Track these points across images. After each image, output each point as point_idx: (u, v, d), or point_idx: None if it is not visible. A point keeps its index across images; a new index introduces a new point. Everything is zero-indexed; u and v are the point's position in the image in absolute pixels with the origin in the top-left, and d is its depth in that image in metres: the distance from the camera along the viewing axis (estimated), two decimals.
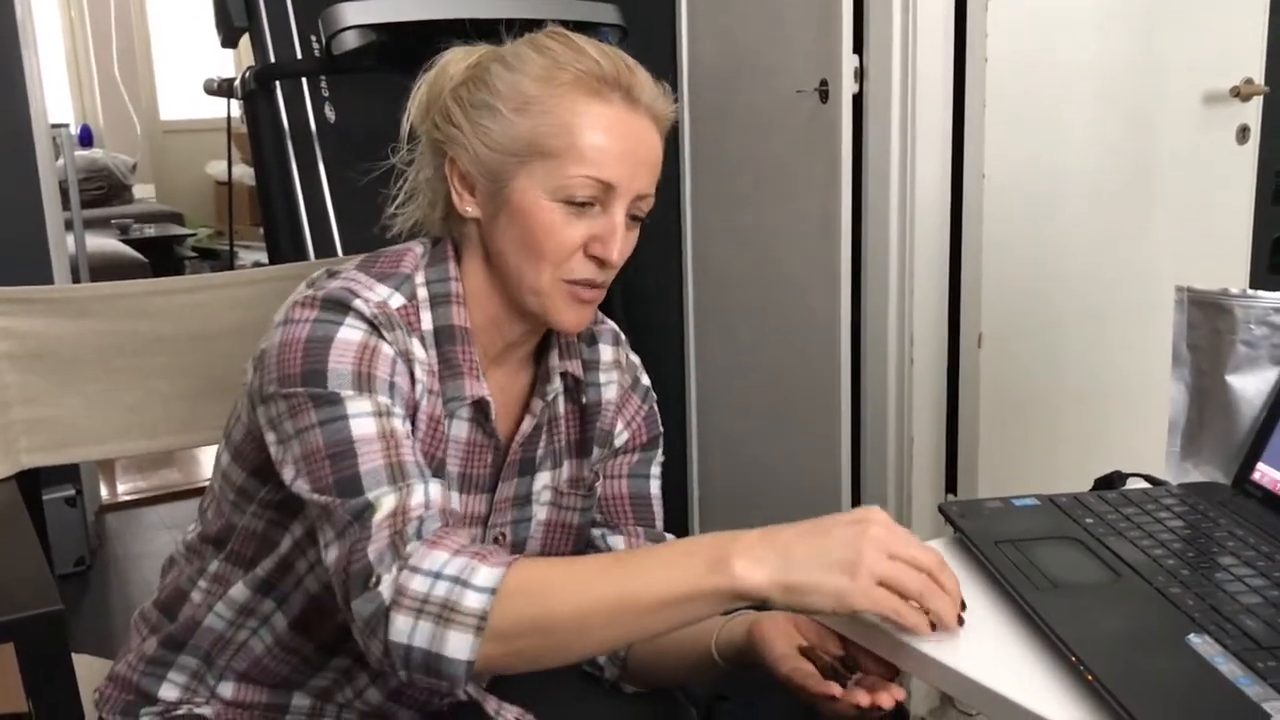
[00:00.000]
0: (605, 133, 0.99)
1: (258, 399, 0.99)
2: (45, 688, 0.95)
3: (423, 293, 1.04)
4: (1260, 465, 1.08)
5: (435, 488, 0.93)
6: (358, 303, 0.97)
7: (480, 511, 1.08)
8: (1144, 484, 1.13)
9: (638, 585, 0.84)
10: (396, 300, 1.01)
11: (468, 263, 1.06)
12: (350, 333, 0.96)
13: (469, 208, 1.04)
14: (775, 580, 0.83)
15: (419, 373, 1.00)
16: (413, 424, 1.00)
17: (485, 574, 0.84)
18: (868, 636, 0.91)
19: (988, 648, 0.86)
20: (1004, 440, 2.14)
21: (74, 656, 1.00)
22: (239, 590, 1.08)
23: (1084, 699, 0.77)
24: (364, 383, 0.95)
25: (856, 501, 2.22)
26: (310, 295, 0.99)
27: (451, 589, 0.84)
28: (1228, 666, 0.77)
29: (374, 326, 0.97)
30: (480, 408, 1.04)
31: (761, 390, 2.40)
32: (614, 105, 1.00)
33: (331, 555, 0.90)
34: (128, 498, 3.43)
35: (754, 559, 0.83)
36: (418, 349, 1.01)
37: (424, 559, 0.86)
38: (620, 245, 1.01)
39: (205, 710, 1.12)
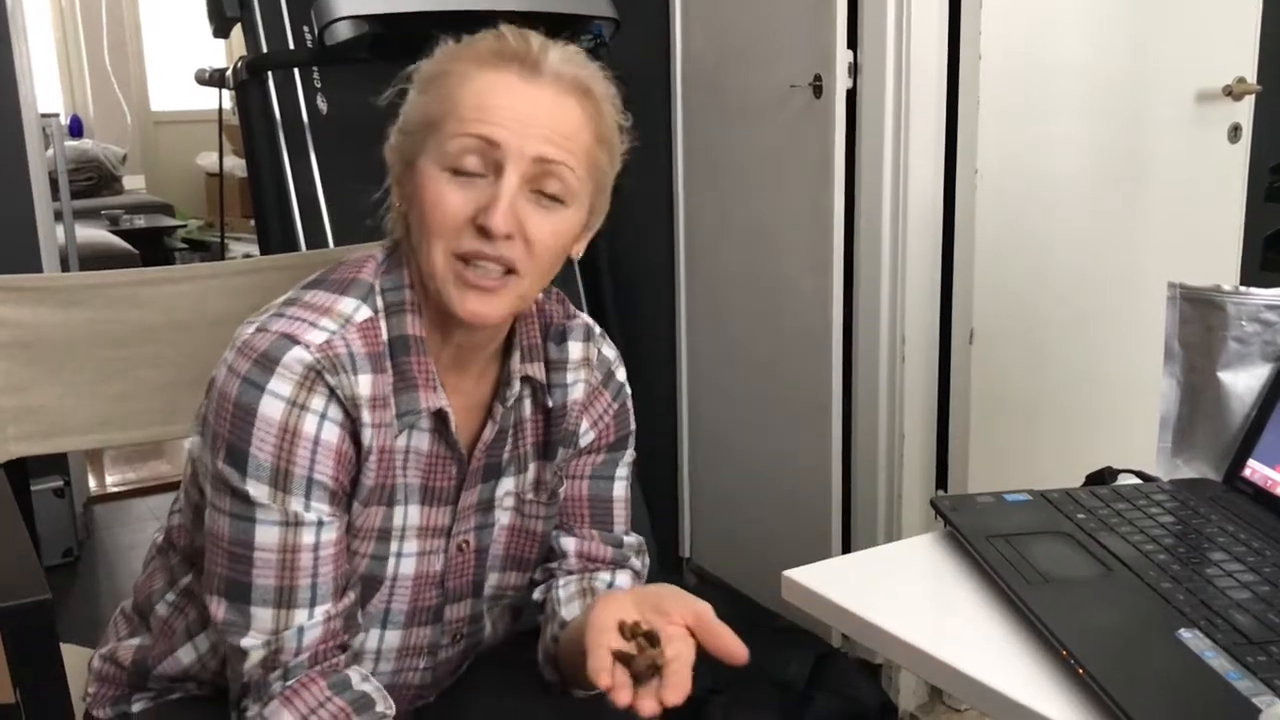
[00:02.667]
0: (489, 93, 0.94)
1: (204, 427, 0.99)
2: (33, 678, 0.94)
3: (380, 301, 1.01)
4: (1251, 462, 1.09)
5: (318, 619, 0.96)
6: (291, 355, 0.94)
7: (444, 523, 1.06)
8: (1135, 480, 1.13)
9: None
10: (363, 313, 0.98)
11: (414, 265, 1.01)
12: (272, 406, 0.93)
13: (397, 200, 1.01)
14: None
15: (365, 415, 0.97)
16: (359, 467, 0.98)
17: None
18: (856, 627, 0.91)
19: (979, 641, 0.86)
20: (995, 437, 2.14)
21: (62, 647, 0.99)
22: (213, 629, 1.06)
23: (1075, 693, 0.77)
24: (280, 482, 0.94)
25: (847, 497, 2.23)
26: (248, 342, 0.96)
27: None
28: (1218, 661, 0.77)
29: (304, 384, 0.94)
30: (439, 418, 1.02)
31: (753, 385, 2.40)
32: (505, 73, 0.95)
33: (214, 618, 0.98)
34: (116, 489, 3.42)
35: None
36: (365, 384, 0.97)
37: (274, 715, 0.95)
38: (506, 212, 0.93)
39: (199, 692, 1.11)
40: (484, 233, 0.94)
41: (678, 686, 0.88)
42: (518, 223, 0.94)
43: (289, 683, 0.96)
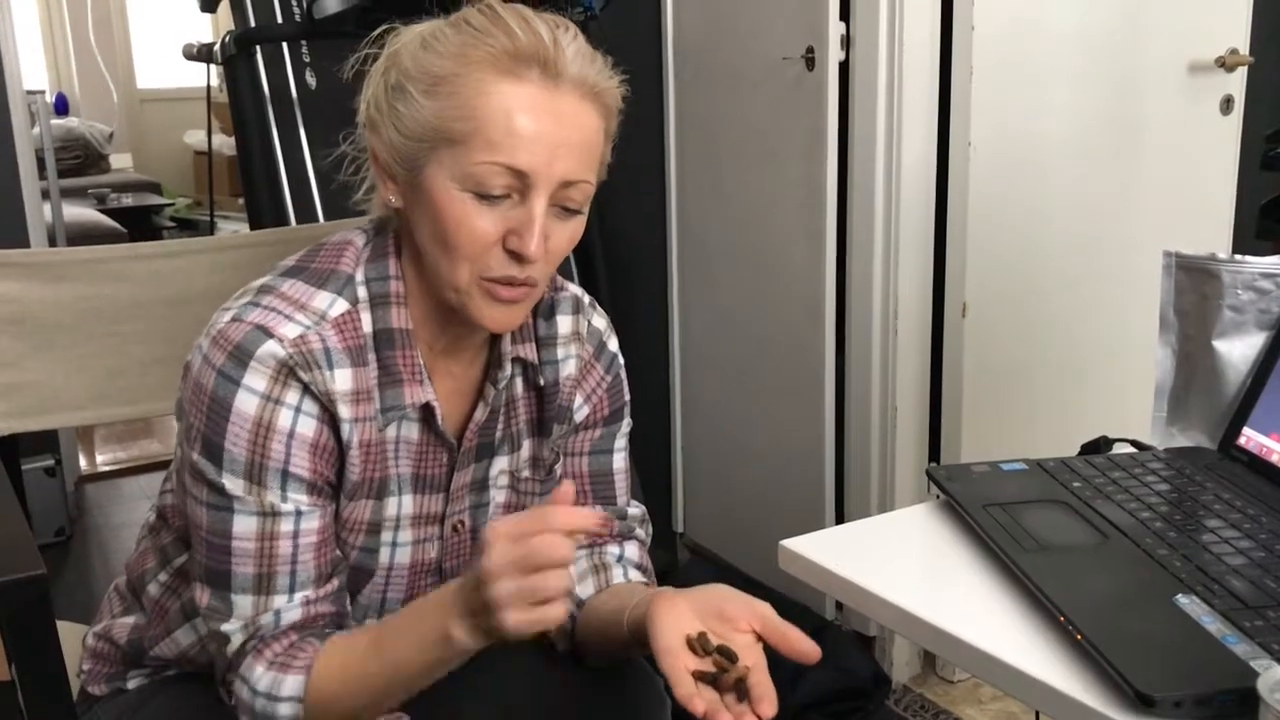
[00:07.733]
0: (517, 114, 0.91)
1: (182, 414, 0.98)
2: (29, 654, 0.94)
3: (363, 292, 0.99)
4: (1246, 430, 1.09)
5: (297, 603, 0.96)
6: (264, 349, 0.93)
7: (437, 510, 1.06)
8: (1130, 449, 1.13)
9: (399, 668, 0.94)
10: (338, 307, 0.97)
11: (407, 255, 1.00)
12: (246, 400, 0.93)
13: (392, 197, 0.98)
14: (485, 641, 0.90)
15: (343, 411, 0.96)
16: (343, 463, 0.98)
17: (290, 684, 0.95)
18: (853, 596, 0.91)
19: (976, 608, 0.86)
20: (988, 409, 2.14)
21: (57, 624, 0.98)
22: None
23: (1073, 658, 0.77)
24: (255, 475, 0.94)
25: (840, 470, 2.23)
26: (223, 332, 0.95)
27: (266, 705, 0.95)
28: (1215, 625, 0.77)
29: (277, 379, 0.93)
30: (426, 410, 1.01)
31: (746, 359, 2.39)
32: (528, 83, 0.91)
33: (199, 604, 0.99)
34: (107, 468, 3.41)
35: (466, 629, 0.90)
36: (344, 379, 0.96)
37: (248, 670, 0.96)
38: (539, 239, 0.93)
39: (194, 670, 1.11)
40: (514, 256, 0.94)
41: (768, 698, 0.88)
42: (545, 242, 0.95)
43: (258, 645, 0.97)
